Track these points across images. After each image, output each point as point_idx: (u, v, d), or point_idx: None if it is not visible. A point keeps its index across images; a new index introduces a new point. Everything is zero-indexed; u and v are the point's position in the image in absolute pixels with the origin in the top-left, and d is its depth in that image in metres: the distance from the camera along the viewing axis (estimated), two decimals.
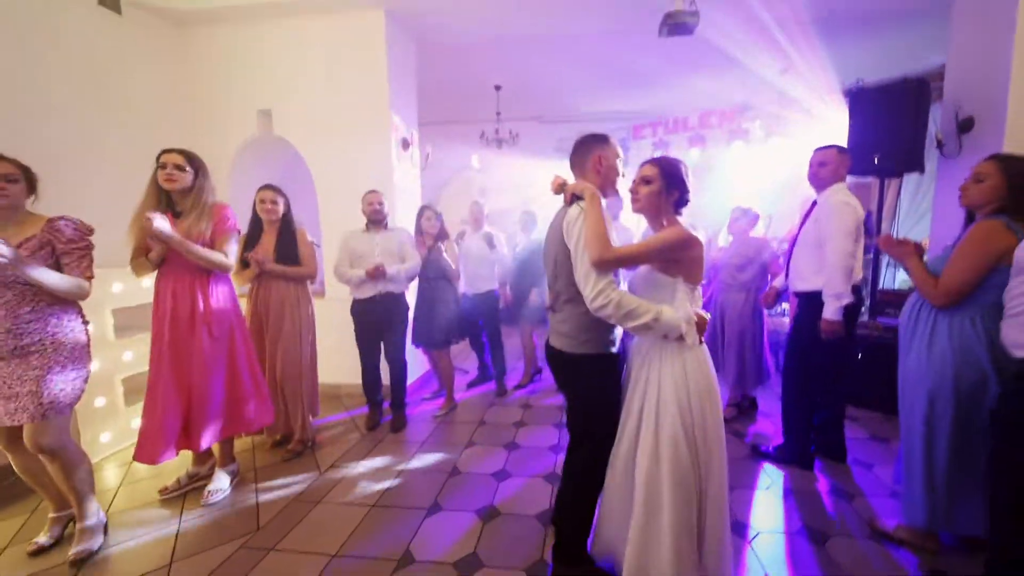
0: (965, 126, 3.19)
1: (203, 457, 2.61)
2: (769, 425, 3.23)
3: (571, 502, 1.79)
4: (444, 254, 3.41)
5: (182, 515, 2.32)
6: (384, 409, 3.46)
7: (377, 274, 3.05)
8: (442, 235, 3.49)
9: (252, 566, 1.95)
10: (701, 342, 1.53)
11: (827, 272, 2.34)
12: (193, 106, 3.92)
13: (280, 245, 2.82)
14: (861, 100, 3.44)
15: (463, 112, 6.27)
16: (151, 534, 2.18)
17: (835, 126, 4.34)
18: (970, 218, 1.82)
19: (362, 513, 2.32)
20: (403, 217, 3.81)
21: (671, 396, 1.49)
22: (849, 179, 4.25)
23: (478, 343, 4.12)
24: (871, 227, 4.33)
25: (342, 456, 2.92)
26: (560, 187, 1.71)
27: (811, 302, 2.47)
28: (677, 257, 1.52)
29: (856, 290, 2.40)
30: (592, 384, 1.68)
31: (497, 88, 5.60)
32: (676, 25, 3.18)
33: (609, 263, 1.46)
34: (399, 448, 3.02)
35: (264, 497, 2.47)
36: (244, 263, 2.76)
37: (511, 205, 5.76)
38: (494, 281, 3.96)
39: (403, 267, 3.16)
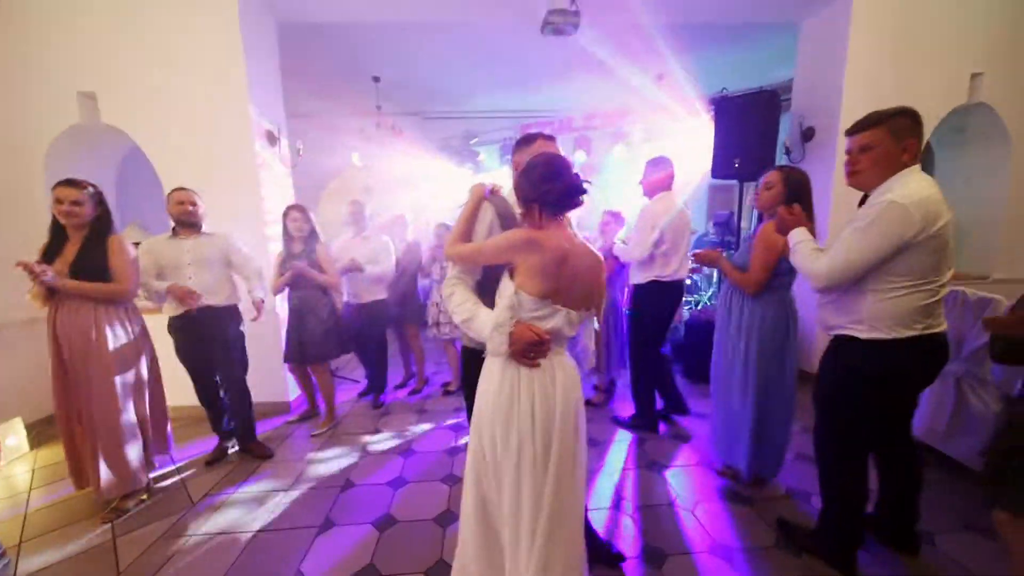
0: (807, 135, 3.63)
1: None
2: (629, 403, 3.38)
3: None
4: (314, 258, 3.03)
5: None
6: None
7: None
8: (313, 238, 3.08)
9: None
10: (518, 357, 1.35)
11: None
12: None
13: (82, 257, 2.21)
14: (724, 108, 3.73)
15: (342, 104, 5.70)
16: None
17: (703, 133, 4.73)
18: (761, 217, 2.17)
19: (244, 541, 2.10)
20: (273, 220, 3.35)
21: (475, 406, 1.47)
22: (714, 181, 4.79)
23: (365, 354, 3.82)
24: (733, 225, 4.85)
25: (216, 484, 2.62)
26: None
27: (638, 292, 2.96)
28: (512, 260, 1.37)
29: (677, 284, 2.90)
30: (468, 375, 1.70)
31: (376, 79, 5.15)
32: (557, 26, 3.20)
33: (451, 258, 1.53)
34: (284, 469, 2.76)
35: (124, 538, 2.16)
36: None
37: (400, 207, 5.34)
38: (380, 291, 3.62)
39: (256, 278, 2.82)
